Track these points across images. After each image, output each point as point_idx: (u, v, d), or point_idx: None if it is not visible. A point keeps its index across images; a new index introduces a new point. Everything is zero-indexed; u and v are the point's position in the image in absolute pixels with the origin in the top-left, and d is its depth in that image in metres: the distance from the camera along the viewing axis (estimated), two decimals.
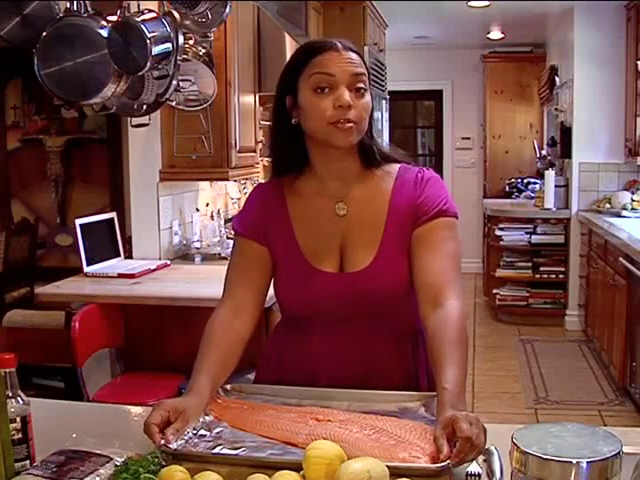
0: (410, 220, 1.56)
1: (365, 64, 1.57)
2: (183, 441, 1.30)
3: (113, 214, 3.76)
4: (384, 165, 1.63)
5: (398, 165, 1.64)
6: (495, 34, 7.59)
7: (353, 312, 1.56)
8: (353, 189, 1.61)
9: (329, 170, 1.60)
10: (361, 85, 1.53)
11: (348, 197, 1.60)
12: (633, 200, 5.68)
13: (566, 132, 6.22)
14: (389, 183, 1.61)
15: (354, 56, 1.54)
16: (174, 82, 2.40)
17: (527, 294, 6.40)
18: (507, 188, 7.99)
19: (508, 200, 7.56)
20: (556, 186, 6.18)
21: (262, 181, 4.99)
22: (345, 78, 1.51)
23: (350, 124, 1.50)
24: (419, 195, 1.57)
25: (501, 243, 6.50)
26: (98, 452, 1.26)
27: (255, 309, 1.63)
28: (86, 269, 3.43)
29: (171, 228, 3.85)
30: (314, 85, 1.51)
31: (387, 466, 1.13)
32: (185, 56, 2.71)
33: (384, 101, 6.07)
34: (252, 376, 1.78)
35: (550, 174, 6.20)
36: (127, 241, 3.88)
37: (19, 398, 1.26)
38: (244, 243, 1.65)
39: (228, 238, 4.02)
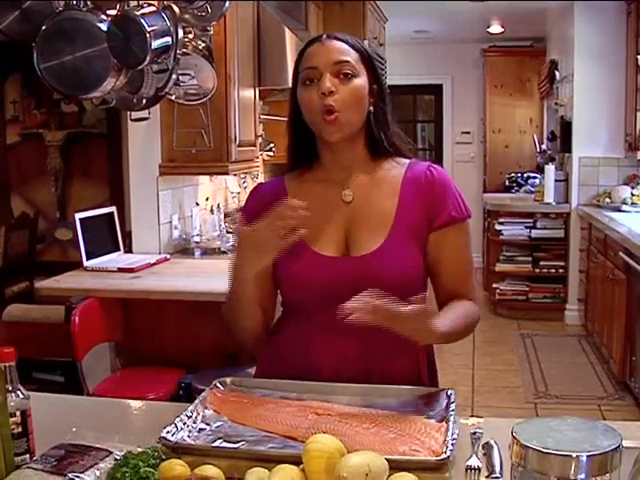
0: (422, 217, 1.57)
1: (361, 51, 1.58)
2: (183, 435, 1.30)
3: (113, 208, 3.75)
4: (393, 157, 1.64)
5: (408, 160, 1.65)
6: (495, 28, 7.58)
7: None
8: (360, 177, 1.62)
9: (335, 159, 1.61)
10: (347, 71, 1.54)
11: (355, 184, 1.61)
12: (633, 194, 5.67)
13: (566, 126, 6.22)
14: (399, 173, 1.62)
15: (338, 44, 1.57)
16: (174, 76, 2.40)
17: (527, 288, 6.40)
18: (507, 182, 7.97)
19: (508, 194, 7.53)
20: (556, 180, 6.17)
21: (261, 175, 5.04)
22: (327, 67, 1.54)
23: (334, 114, 1.51)
24: (431, 195, 1.58)
25: (501, 237, 6.49)
26: (98, 446, 1.26)
27: (263, 302, 1.62)
28: (86, 263, 3.42)
29: (171, 222, 3.85)
30: (303, 79, 1.57)
31: (387, 459, 1.13)
32: (185, 50, 2.70)
33: None
34: (252, 370, 1.77)
35: (550, 168, 6.19)
36: (127, 235, 3.87)
37: (19, 392, 1.26)
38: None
39: (228, 232, 4.01)
